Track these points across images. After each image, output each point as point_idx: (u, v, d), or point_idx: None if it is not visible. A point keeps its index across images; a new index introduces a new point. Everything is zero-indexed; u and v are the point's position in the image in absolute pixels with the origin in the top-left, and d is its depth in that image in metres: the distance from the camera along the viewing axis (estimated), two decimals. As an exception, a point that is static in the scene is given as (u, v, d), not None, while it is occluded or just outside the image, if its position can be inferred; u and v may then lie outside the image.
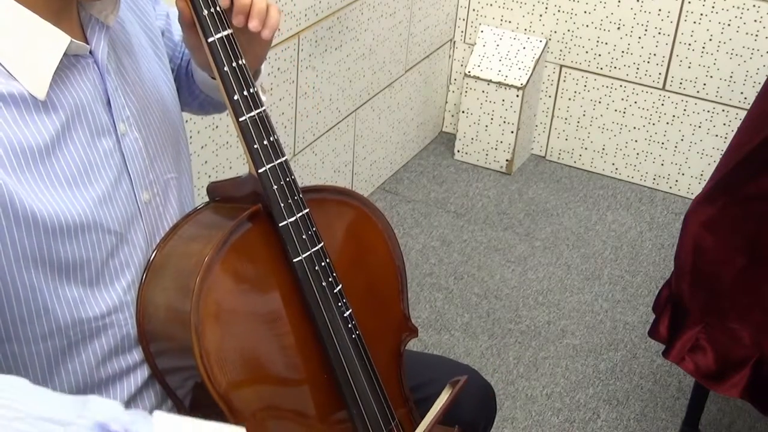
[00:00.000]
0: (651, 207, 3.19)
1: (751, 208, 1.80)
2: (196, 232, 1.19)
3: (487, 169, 3.33)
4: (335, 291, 1.19)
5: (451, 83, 3.47)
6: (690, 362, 1.93)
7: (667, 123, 3.18)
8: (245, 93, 1.14)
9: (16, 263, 1.01)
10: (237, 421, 1.12)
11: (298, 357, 1.19)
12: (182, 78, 1.40)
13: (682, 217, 1.92)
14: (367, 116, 2.97)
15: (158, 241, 1.19)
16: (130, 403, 1.18)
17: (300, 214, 1.16)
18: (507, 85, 3.17)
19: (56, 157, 1.05)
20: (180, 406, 1.19)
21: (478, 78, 3.21)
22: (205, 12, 1.12)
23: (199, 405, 1.16)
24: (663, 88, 3.14)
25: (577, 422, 2.31)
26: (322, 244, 1.18)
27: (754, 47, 2.96)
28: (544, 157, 3.43)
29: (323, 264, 1.18)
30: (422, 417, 1.29)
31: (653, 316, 2.04)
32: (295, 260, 1.16)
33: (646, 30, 3.09)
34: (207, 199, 1.24)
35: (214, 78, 1.30)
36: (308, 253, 1.16)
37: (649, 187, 3.29)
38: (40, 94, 1.03)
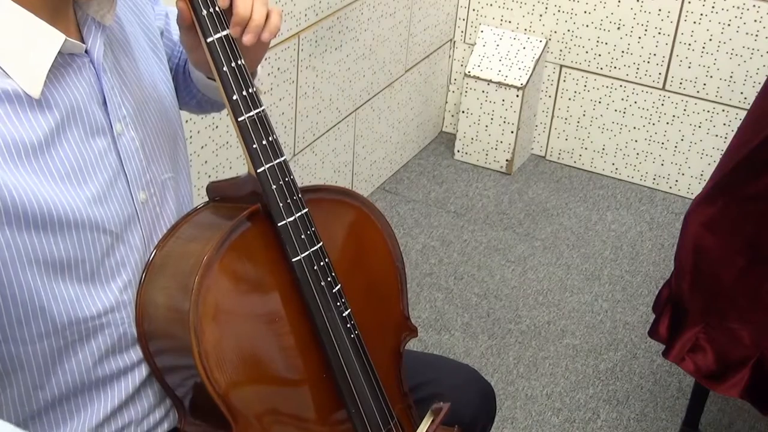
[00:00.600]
0: (651, 207, 3.19)
1: (751, 208, 1.80)
2: (196, 232, 1.19)
3: (487, 169, 3.33)
4: (334, 291, 1.19)
5: (451, 83, 3.46)
6: (690, 362, 1.93)
7: (667, 123, 3.18)
8: (244, 93, 1.14)
9: (11, 263, 1.01)
10: (236, 420, 1.12)
11: (297, 356, 1.19)
12: (180, 77, 1.41)
13: (682, 217, 1.92)
14: (367, 116, 2.97)
15: (155, 240, 1.19)
16: (128, 402, 1.18)
17: (299, 213, 1.16)
18: (507, 85, 3.17)
19: (50, 155, 1.05)
20: (179, 406, 1.19)
21: (478, 78, 3.21)
22: (204, 12, 1.12)
23: (198, 404, 1.16)
24: (663, 88, 3.14)
25: (577, 422, 2.31)
26: (321, 243, 1.18)
27: (754, 47, 2.96)
28: (544, 157, 3.43)
29: (322, 264, 1.18)
30: (421, 418, 1.29)
31: (653, 316, 2.04)
32: (294, 260, 1.16)
33: (646, 30, 3.08)
34: (206, 198, 1.24)
35: (210, 78, 1.30)
36: (307, 252, 1.16)
37: (649, 187, 3.29)
38: (35, 92, 1.03)
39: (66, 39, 1.05)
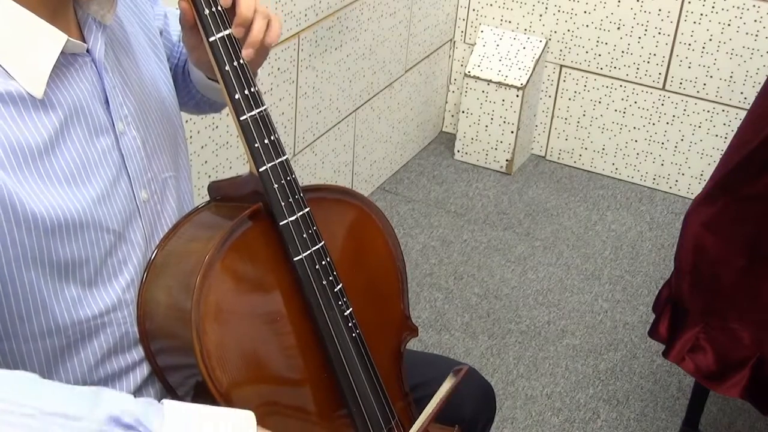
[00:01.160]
0: (651, 207, 3.19)
1: (751, 208, 1.80)
2: (197, 231, 1.19)
3: (487, 169, 3.33)
4: (335, 290, 1.19)
5: (451, 83, 3.47)
6: (690, 362, 1.93)
7: (667, 123, 3.18)
8: (246, 92, 1.14)
9: (15, 262, 1.01)
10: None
11: (298, 355, 1.19)
12: (179, 78, 1.41)
13: (682, 217, 1.92)
14: (367, 116, 2.97)
15: (157, 239, 1.19)
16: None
17: (300, 213, 1.16)
18: (507, 85, 3.18)
19: (54, 156, 1.05)
20: (181, 405, 1.19)
21: (478, 78, 3.22)
22: (207, 11, 1.12)
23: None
24: (663, 88, 3.14)
25: (577, 422, 2.31)
26: (322, 243, 1.18)
27: (754, 47, 2.96)
28: (544, 157, 3.43)
29: (323, 263, 1.18)
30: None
31: (653, 316, 2.04)
32: (295, 259, 1.16)
33: (646, 30, 3.09)
34: (207, 198, 1.24)
35: (210, 78, 1.30)
36: (308, 251, 1.16)
37: (649, 187, 3.29)
38: (38, 92, 1.03)
39: (68, 39, 1.05)
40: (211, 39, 1.13)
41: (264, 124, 1.14)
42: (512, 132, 3.24)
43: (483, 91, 3.22)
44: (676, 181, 3.24)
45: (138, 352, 1.17)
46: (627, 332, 2.61)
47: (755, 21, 2.93)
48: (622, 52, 3.15)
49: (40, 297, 1.05)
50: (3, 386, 0.87)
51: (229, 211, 1.19)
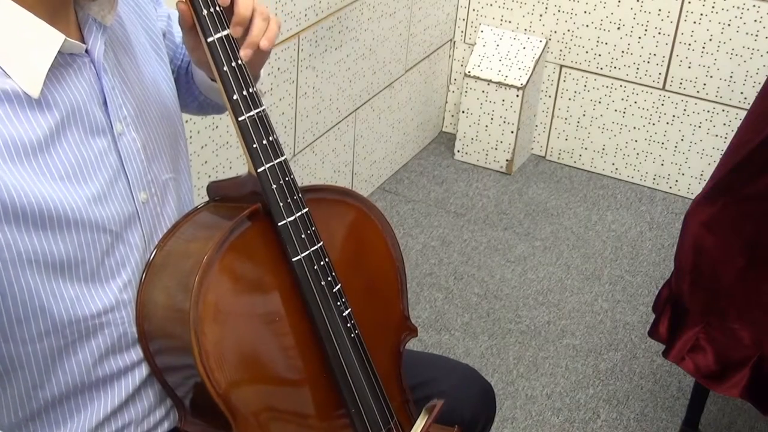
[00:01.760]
0: (651, 207, 3.19)
1: (751, 208, 1.80)
2: (196, 232, 1.19)
3: (487, 169, 3.33)
4: (334, 290, 1.19)
5: (451, 83, 3.47)
6: (690, 362, 1.93)
7: (667, 123, 3.18)
8: (244, 93, 1.14)
9: (11, 262, 1.01)
10: (236, 420, 1.12)
11: (297, 356, 1.19)
12: (182, 79, 1.41)
13: (682, 217, 1.92)
14: (367, 116, 2.97)
15: (156, 240, 1.19)
16: (128, 402, 1.18)
17: (299, 213, 1.16)
18: (507, 85, 3.18)
19: (49, 154, 1.05)
20: (179, 405, 1.19)
21: (478, 78, 3.21)
22: (205, 12, 1.12)
23: (199, 404, 1.16)
24: (663, 88, 3.14)
25: (577, 422, 2.31)
26: (321, 243, 1.18)
27: (754, 47, 2.96)
28: (544, 157, 3.43)
29: (322, 263, 1.18)
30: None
31: (653, 316, 2.04)
32: (294, 259, 1.16)
33: (646, 30, 3.09)
34: (207, 198, 1.24)
35: (213, 79, 1.30)
36: (307, 252, 1.16)
37: (649, 187, 3.29)
38: (34, 92, 1.03)
39: (66, 39, 1.05)
40: (209, 40, 1.12)
41: (262, 124, 1.14)
42: (512, 132, 3.24)
43: (483, 91, 3.22)
44: (676, 181, 3.24)
45: (137, 353, 1.17)
46: (627, 332, 2.61)
47: (755, 21, 2.93)
48: (622, 52, 3.15)
49: (38, 298, 1.05)
50: None
51: (227, 211, 1.19)
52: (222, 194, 1.23)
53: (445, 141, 3.49)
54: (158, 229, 1.20)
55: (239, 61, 1.14)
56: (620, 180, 3.32)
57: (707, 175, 3.09)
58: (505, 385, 2.40)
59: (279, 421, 1.19)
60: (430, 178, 3.26)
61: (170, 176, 1.24)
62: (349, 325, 1.20)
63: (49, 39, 1.04)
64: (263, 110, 1.15)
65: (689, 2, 2.99)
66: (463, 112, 3.29)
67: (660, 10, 3.04)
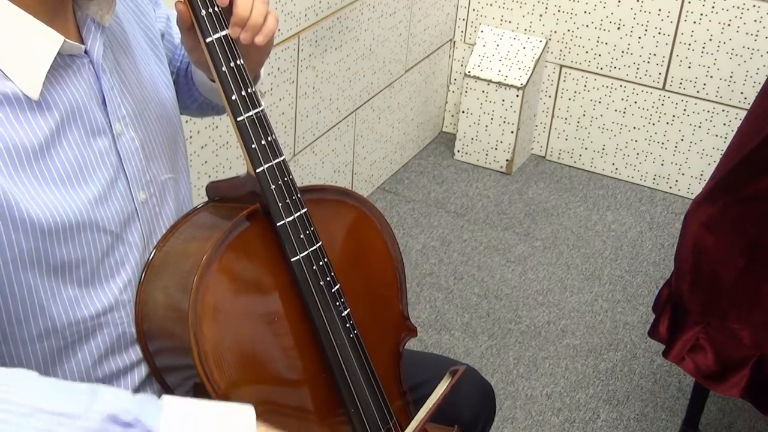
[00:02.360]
0: (651, 207, 3.19)
1: (751, 208, 1.80)
2: (195, 232, 1.19)
3: (487, 169, 3.33)
4: (333, 290, 1.19)
5: (451, 83, 3.47)
6: (690, 362, 1.93)
7: (667, 123, 3.18)
8: (243, 93, 1.14)
9: (12, 264, 1.01)
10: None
11: (296, 356, 1.19)
12: (181, 81, 1.40)
13: (682, 217, 1.92)
14: (367, 116, 2.97)
15: (155, 240, 1.19)
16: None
17: (298, 213, 1.16)
18: (507, 85, 3.17)
19: (50, 157, 1.05)
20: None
21: (478, 78, 3.21)
22: (203, 12, 1.12)
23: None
24: (663, 88, 3.14)
25: (577, 422, 2.31)
26: (320, 243, 1.18)
27: (754, 47, 2.96)
28: (544, 157, 3.43)
29: (321, 263, 1.18)
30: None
31: (653, 316, 2.04)
32: (293, 259, 1.16)
33: (646, 30, 3.08)
34: (206, 198, 1.24)
35: (212, 80, 1.30)
36: (306, 252, 1.16)
37: (649, 187, 3.29)
38: (34, 93, 1.03)
39: (65, 40, 1.05)
40: (208, 40, 1.12)
41: (261, 124, 1.14)
42: (512, 132, 3.23)
43: (483, 91, 3.22)
44: (676, 181, 3.24)
45: (136, 353, 1.17)
46: (627, 332, 2.61)
47: (755, 21, 2.93)
48: (622, 52, 3.15)
49: (38, 298, 1.05)
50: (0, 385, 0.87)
51: (226, 211, 1.19)
52: (221, 194, 1.23)
53: (445, 141, 3.48)
54: (157, 229, 1.20)
55: (238, 62, 1.14)
56: (620, 180, 3.32)
57: (707, 175, 3.09)
58: (505, 385, 2.40)
59: (278, 420, 1.18)
60: (430, 178, 3.26)
61: (169, 176, 1.24)
62: (348, 325, 1.20)
63: (49, 40, 1.04)
64: (262, 110, 1.15)
65: (689, 2, 2.99)
66: (463, 112, 3.29)
67: (660, 10, 3.04)
